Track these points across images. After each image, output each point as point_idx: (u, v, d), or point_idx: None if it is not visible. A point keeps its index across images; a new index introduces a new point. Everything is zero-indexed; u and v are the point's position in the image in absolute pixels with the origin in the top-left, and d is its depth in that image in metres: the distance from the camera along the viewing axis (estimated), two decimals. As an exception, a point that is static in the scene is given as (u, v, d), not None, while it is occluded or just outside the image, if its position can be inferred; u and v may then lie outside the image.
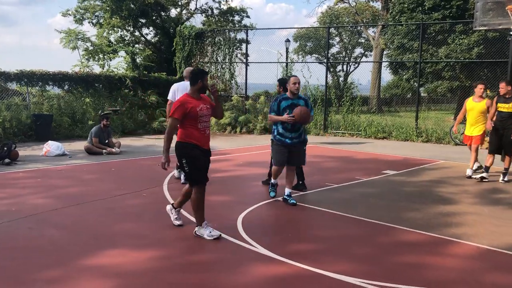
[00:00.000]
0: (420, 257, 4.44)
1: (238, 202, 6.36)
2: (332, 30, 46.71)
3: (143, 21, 24.37)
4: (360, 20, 38.86)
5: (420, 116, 15.30)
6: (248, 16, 28.27)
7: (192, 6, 27.32)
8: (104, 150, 10.30)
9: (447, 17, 19.09)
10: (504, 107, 7.79)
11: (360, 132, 15.35)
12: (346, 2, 39.62)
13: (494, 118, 7.97)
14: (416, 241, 4.92)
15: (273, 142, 6.36)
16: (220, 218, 5.53)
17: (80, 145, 11.12)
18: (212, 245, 4.66)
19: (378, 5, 36.40)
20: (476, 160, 8.49)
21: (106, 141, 10.58)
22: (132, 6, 22.58)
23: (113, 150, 10.45)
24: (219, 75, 17.99)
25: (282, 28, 54.19)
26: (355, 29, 46.71)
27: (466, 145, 8.89)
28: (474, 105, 8.19)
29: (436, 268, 4.16)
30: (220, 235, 4.79)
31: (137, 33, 25.25)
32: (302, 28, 48.44)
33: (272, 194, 6.55)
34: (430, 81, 21.10)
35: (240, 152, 10.67)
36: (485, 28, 10.14)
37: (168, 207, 5.29)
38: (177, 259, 4.26)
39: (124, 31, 24.84)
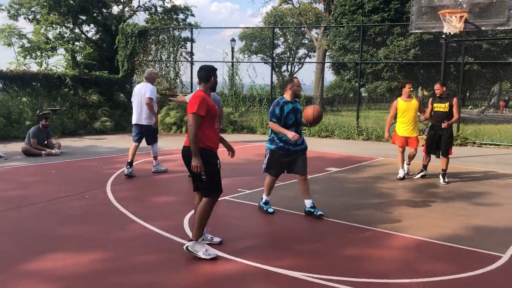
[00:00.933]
0: (361, 250, 4.63)
1: (183, 202, 6.33)
2: (277, 30, 47.43)
3: (84, 18, 23.61)
4: (304, 21, 39.62)
5: (361, 115, 15.86)
6: (192, 15, 28.15)
7: (135, 3, 26.81)
8: (43, 152, 9.91)
9: (386, 19, 19.88)
10: (440, 107, 7.95)
11: (304, 131, 15.65)
12: (290, 3, 40.27)
13: (427, 116, 8.23)
14: (357, 235, 5.11)
15: (273, 151, 5.73)
16: (166, 218, 5.51)
17: (16, 147, 10.63)
18: (158, 245, 4.63)
19: (321, 7, 37.26)
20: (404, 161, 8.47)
21: (45, 142, 10.18)
22: (72, 2, 21.82)
23: (53, 151, 10.07)
24: (163, 73, 17.75)
25: (227, 28, 54.20)
26: (299, 30, 47.59)
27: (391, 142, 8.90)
28: (408, 105, 8.09)
29: (376, 260, 4.36)
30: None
31: (77, 30, 24.43)
32: (247, 28, 48.70)
33: (271, 209, 5.86)
34: (371, 81, 21.87)
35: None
36: (420, 31, 10.65)
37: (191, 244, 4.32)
38: (122, 261, 4.19)
39: (63, 28, 23.96)
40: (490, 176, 8.86)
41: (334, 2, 24.73)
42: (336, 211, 6.01)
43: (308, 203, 5.76)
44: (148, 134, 8.17)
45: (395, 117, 8.48)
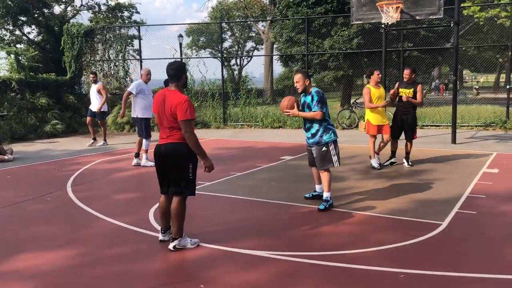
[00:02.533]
0: (316, 228, 5.04)
1: (145, 197, 6.52)
2: (224, 24, 47.51)
3: (24, 19, 22.86)
4: (250, 14, 39.93)
5: (311, 104, 16.37)
6: (137, 12, 27.83)
7: (77, 2, 26.21)
8: (-5, 158, 9.75)
9: (329, 11, 20.49)
10: (405, 92, 8.16)
11: (258, 123, 16.07)
12: (235, -3, 40.41)
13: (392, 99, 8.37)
14: (312, 215, 5.52)
15: None
16: (131, 213, 5.70)
17: (-34, 155, 10.35)
18: (127, 239, 4.83)
19: (266, 0, 37.67)
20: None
21: (-4, 149, 10.01)
22: (10, 2, 21.09)
23: (5, 157, 9.92)
24: (112, 73, 17.60)
25: (174, 24, 53.55)
26: (246, 24, 47.89)
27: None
28: (380, 92, 8.16)
29: (330, 235, 4.78)
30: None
31: (18, 32, 23.62)
32: (194, 24, 48.45)
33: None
34: (318, 71, 22.48)
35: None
36: (360, 22, 11.21)
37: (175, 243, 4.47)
38: (93, 255, 4.38)
39: (3, 30, 23.11)
40: (432, 154, 9.56)
41: (279, -5, 25.16)
42: (292, 195, 6.40)
43: (324, 195, 5.78)
44: (138, 126, 9.00)
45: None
